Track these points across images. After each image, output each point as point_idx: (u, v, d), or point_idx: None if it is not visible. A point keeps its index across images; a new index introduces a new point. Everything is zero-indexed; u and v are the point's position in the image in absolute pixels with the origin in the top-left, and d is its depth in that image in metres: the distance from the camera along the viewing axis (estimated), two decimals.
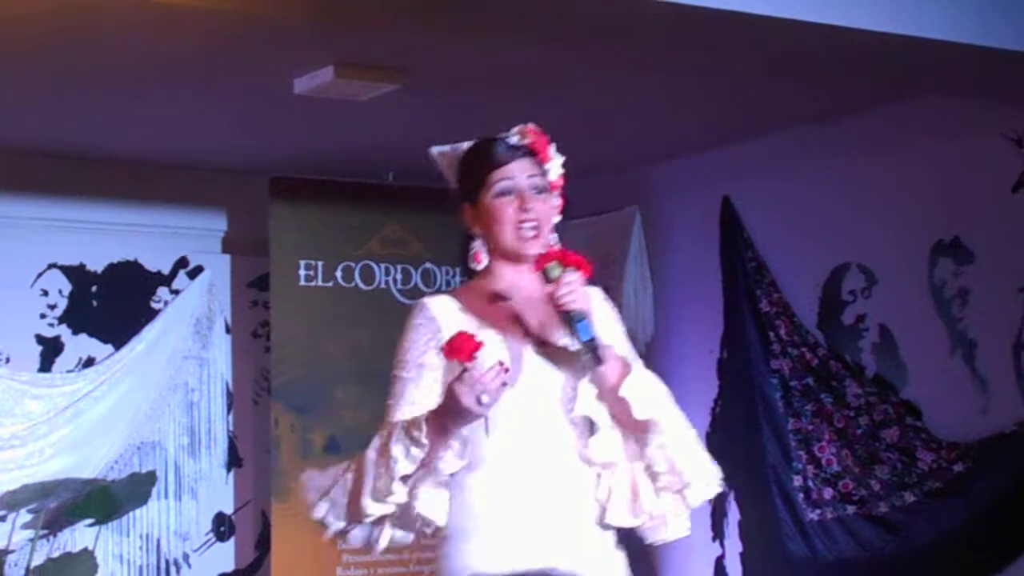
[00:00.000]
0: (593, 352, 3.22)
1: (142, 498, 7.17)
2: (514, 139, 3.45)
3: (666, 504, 3.34)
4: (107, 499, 6.92)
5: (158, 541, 7.36)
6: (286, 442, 7.23)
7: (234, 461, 7.61)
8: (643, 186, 7.42)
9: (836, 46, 4.81)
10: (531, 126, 3.46)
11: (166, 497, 7.39)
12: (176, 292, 7.51)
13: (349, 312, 7.41)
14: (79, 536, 7.09)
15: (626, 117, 6.23)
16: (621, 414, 3.31)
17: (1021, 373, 6.01)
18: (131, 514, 7.24)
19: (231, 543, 7.61)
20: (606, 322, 3.43)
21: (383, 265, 7.54)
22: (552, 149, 3.50)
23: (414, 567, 7.42)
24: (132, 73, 5.51)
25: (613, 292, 7.45)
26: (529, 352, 3.33)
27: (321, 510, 3.43)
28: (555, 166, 3.51)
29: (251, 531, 7.62)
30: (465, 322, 3.33)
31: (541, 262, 3.33)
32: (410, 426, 3.23)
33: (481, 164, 3.42)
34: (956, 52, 4.85)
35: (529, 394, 3.30)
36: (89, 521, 6.97)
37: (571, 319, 3.24)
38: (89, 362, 7.27)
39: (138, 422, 7.27)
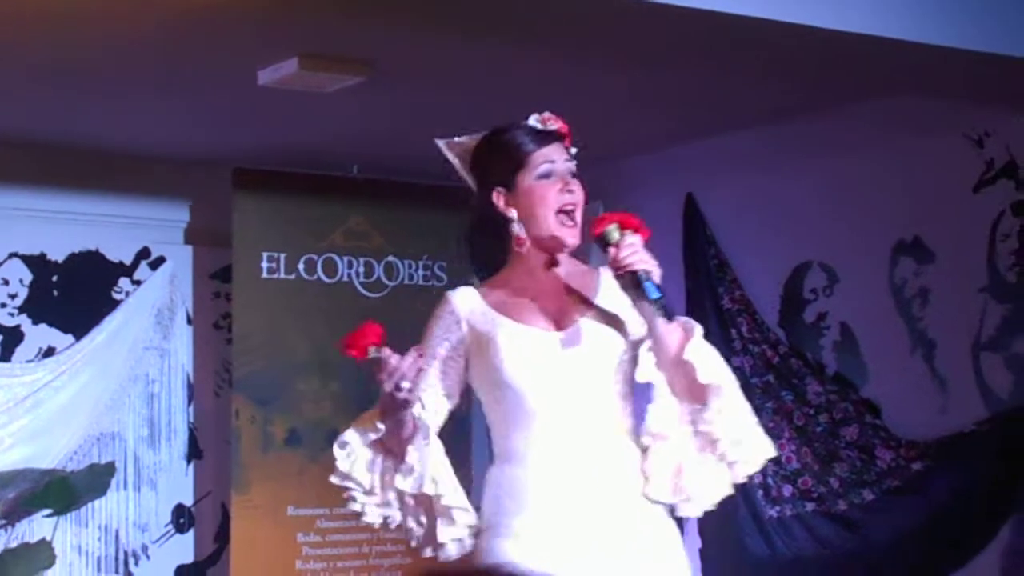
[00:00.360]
0: (663, 309, 3.22)
1: (101, 489, 7.14)
2: (537, 124, 3.41)
3: (709, 478, 3.33)
4: (66, 490, 6.90)
5: (117, 532, 7.33)
6: (247, 434, 7.22)
7: (194, 453, 7.59)
8: (607, 182, 7.42)
9: (800, 45, 4.83)
10: (548, 114, 3.43)
11: (125, 488, 7.36)
12: (138, 283, 7.48)
13: (311, 305, 7.40)
14: (37, 527, 7.05)
15: (590, 113, 6.21)
16: (678, 381, 3.30)
17: (980, 373, 6.04)
18: (90, 505, 7.21)
19: (190, 535, 7.58)
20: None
21: (346, 258, 7.53)
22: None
23: (373, 560, 7.43)
24: (95, 62, 5.49)
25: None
26: (554, 337, 3.31)
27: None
28: (571, 151, 3.49)
29: (211, 523, 7.60)
30: (486, 314, 3.36)
31: (598, 226, 3.30)
32: (370, 416, 3.34)
33: (520, 146, 3.39)
34: (919, 52, 4.87)
35: (559, 381, 3.29)
36: (47, 512, 6.94)
37: (637, 280, 3.22)
38: (49, 352, 7.23)
39: (98, 413, 7.24)
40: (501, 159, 3.40)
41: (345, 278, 7.53)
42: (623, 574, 3.25)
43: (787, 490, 6.51)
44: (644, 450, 3.34)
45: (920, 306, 6.28)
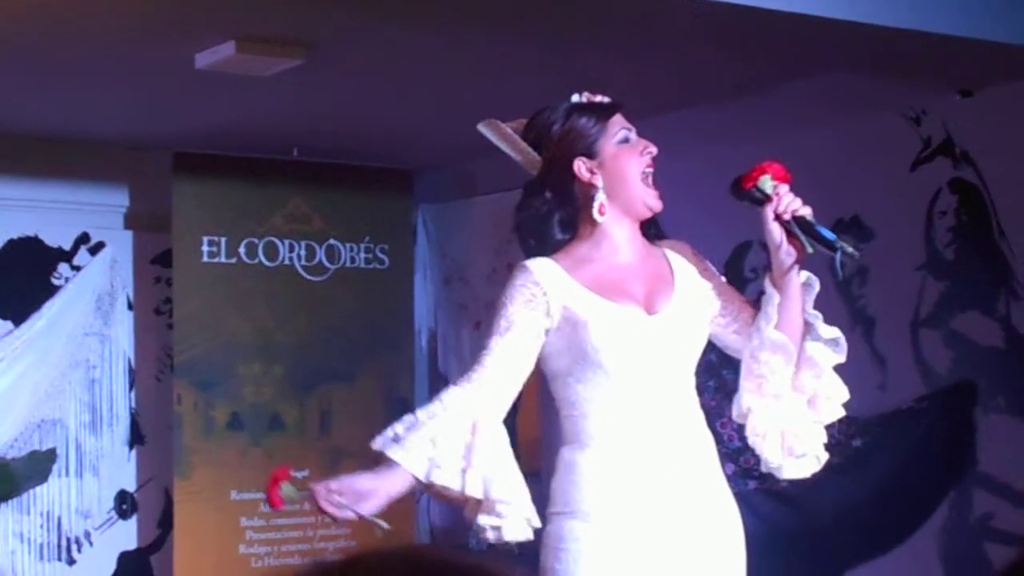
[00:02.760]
0: (841, 251, 3.21)
1: (42, 476, 7.11)
2: (585, 98, 3.39)
3: (811, 434, 3.36)
4: (6, 477, 6.86)
5: (59, 519, 7.30)
6: (189, 419, 7.20)
7: (136, 438, 7.56)
8: None
9: (737, 24, 4.85)
10: (588, 94, 3.40)
11: (67, 475, 7.33)
12: (77, 268, 7.43)
13: (252, 289, 7.39)
14: None
15: (531, 93, 6.22)
16: (795, 341, 3.32)
17: (919, 350, 6.09)
18: (31, 492, 7.18)
19: (133, 521, 7.56)
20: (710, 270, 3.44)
21: (287, 241, 7.51)
22: None
23: (317, 543, 7.43)
24: (31, 46, 5.45)
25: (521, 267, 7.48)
26: (647, 321, 3.28)
27: None
28: None
29: (154, 509, 7.57)
30: (571, 288, 3.27)
31: (748, 182, 3.28)
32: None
33: (596, 114, 3.36)
34: (855, 31, 4.90)
35: (652, 365, 3.27)
36: None
37: (806, 224, 3.22)
38: None
39: (38, 399, 7.20)
40: (580, 128, 3.36)
41: (286, 261, 7.51)
42: (694, 564, 3.26)
43: (729, 468, 6.53)
44: (747, 411, 3.33)
45: (859, 284, 6.32)
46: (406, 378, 7.78)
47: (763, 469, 3.40)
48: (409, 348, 7.85)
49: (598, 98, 3.39)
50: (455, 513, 7.90)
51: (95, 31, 5.27)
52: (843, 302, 6.35)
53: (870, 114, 6.22)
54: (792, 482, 6.03)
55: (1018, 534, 5.75)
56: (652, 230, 3.42)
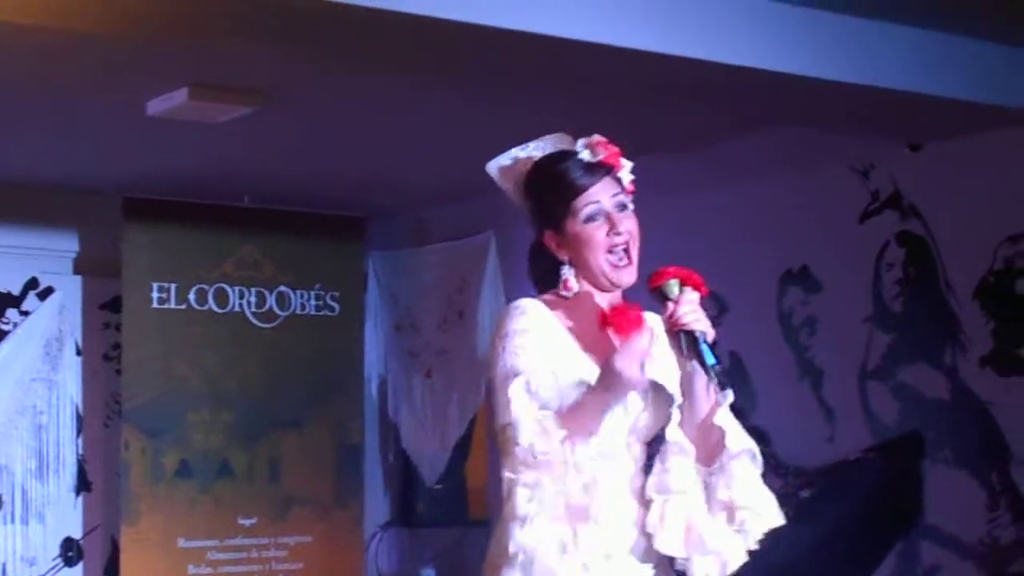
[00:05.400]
0: (718, 376, 3.12)
1: None
2: (586, 155, 3.27)
3: (724, 537, 3.29)
4: None
5: (4, 566, 7.24)
6: (137, 465, 7.15)
7: (83, 485, 7.51)
8: (498, 212, 7.45)
9: (687, 77, 4.88)
10: (598, 138, 3.31)
11: (12, 522, 7.28)
12: (25, 313, 7.40)
13: (202, 335, 7.36)
14: None
15: (481, 143, 6.24)
16: (699, 444, 3.22)
17: (866, 401, 6.12)
18: None
19: (79, 568, 7.50)
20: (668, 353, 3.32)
21: (237, 288, 7.49)
22: (622, 156, 3.34)
23: None
24: None
25: (468, 317, 7.48)
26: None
27: None
28: (626, 172, 3.34)
29: (100, 556, 7.52)
30: (559, 334, 3.20)
31: (659, 278, 3.19)
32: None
33: (563, 191, 3.25)
34: (804, 84, 4.94)
35: (615, 429, 3.18)
36: None
37: (692, 339, 3.12)
38: None
39: None
40: (548, 201, 3.31)
41: (237, 308, 7.49)
42: None
43: None
44: (647, 504, 3.28)
45: (808, 335, 6.35)
46: (356, 425, 7.76)
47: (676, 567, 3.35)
48: (359, 395, 7.84)
49: (599, 153, 3.31)
50: (404, 562, 7.90)
51: (46, 76, 5.26)
52: (791, 352, 6.38)
53: (820, 167, 6.26)
54: None
55: None
56: None
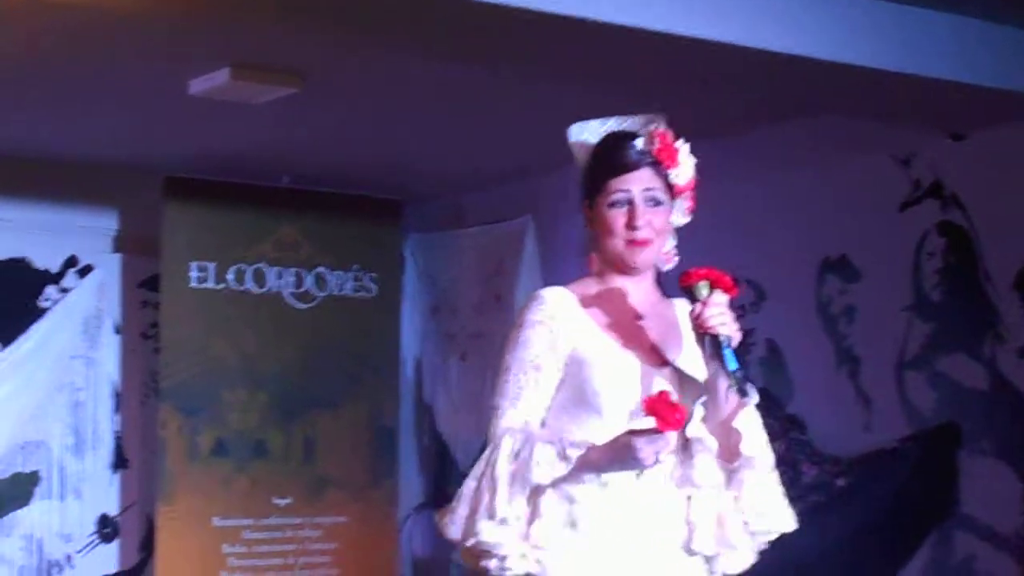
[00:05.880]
0: (738, 383, 3.11)
1: (24, 498, 7.10)
2: (640, 143, 3.28)
3: (743, 537, 3.31)
4: None
5: (40, 542, 7.28)
6: (173, 444, 7.18)
7: (120, 462, 7.55)
8: (537, 196, 7.46)
9: (728, 64, 4.87)
10: (661, 128, 3.29)
11: (49, 497, 7.32)
12: (65, 291, 7.43)
13: (240, 315, 7.38)
14: None
15: (520, 127, 6.26)
16: (721, 444, 3.24)
17: (904, 390, 6.10)
18: (13, 514, 7.17)
19: (115, 545, 7.54)
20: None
21: (275, 268, 7.51)
22: (682, 154, 3.33)
23: (299, 571, 7.42)
24: (25, 69, 5.46)
25: (505, 301, 7.48)
26: (650, 372, 3.22)
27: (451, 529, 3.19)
28: (683, 171, 3.33)
29: (136, 533, 7.56)
30: (584, 324, 3.22)
31: (689, 278, 3.18)
32: (562, 444, 3.11)
33: (602, 169, 3.28)
34: (846, 72, 4.92)
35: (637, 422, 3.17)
36: None
37: (716, 343, 3.12)
38: None
39: (23, 421, 7.19)
40: (590, 176, 3.32)
41: (275, 288, 7.51)
42: None
43: None
44: (687, 499, 3.29)
45: (846, 323, 6.33)
46: (391, 407, 7.77)
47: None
48: (395, 377, 7.85)
49: (651, 145, 3.31)
50: (437, 545, 7.91)
51: (90, 55, 5.28)
52: (829, 341, 6.36)
53: (860, 155, 6.24)
54: None
55: None
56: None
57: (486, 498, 3.11)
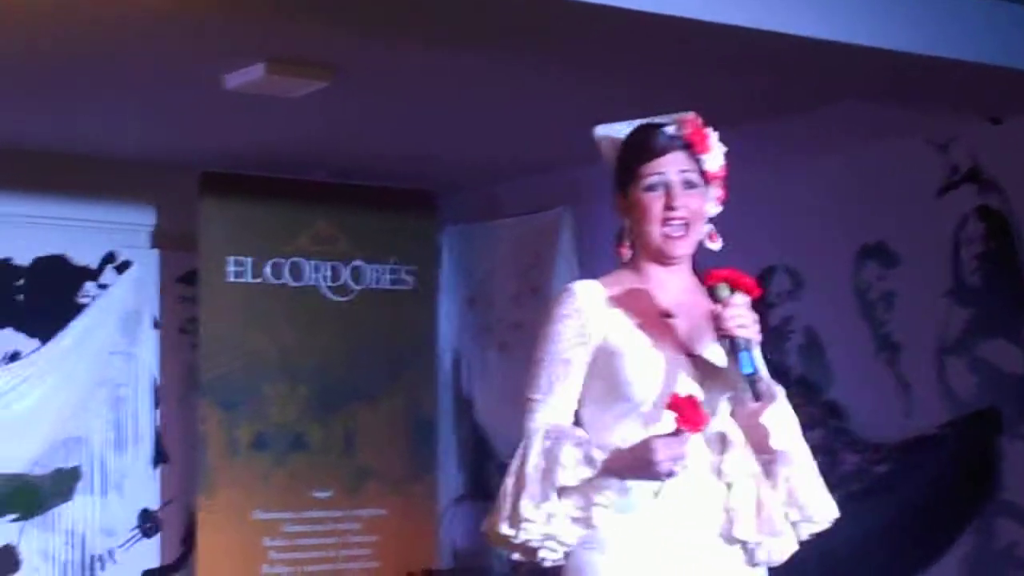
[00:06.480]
0: (752, 386, 3.11)
1: (66, 494, 7.14)
2: (671, 129, 3.28)
3: (785, 525, 3.29)
4: (31, 494, 6.89)
5: (83, 537, 7.32)
6: (213, 438, 7.21)
7: (160, 457, 7.58)
8: (573, 186, 7.45)
9: (762, 50, 4.85)
10: (691, 115, 3.29)
11: (91, 493, 7.35)
12: (103, 287, 7.46)
13: (277, 309, 7.40)
14: (2, 532, 7.05)
15: (555, 117, 6.25)
16: (752, 437, 3.24)
17: (944, 376, 6.08)
18: (55, 510, 7.21)
19: (156, 539, 7.57)
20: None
21: (312, 262, 7.53)
22: (712, 140, 3.34)
23: (340, 564, 7.44)
24: (62, 66, 5.48)
25: (542, 292, 7.48)
26: (679, 365, 3.21)
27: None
28: (715, 157, 3.34)
29: (177, 527, 7.59)
30: (613, 318, 3.22)
31: (711, 279, 3.17)
32: (588, 446, 3.13)
33: (634, 156, 3.28)
34: (882, 57, 4.90)
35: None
36: (12, 517, 6.93)
37: (734, 345, 3.11)
38: (14, 356, 7.21)
39: (64, 417, 7.22)
40: (622, 164, 3.33)
41: (312, 282, 7.53)
42: None
43: None
44: (727, 487, 3.28)
45: (885, 310, 6.31)
46: (430, 399, 7.79)
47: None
48: (433, 369, 7.86)
49: (682, 130, 3.31)
50: (478, 537, 7.90)
51: (125, 51, 5.30)
52: (868, 327, 6.34)
53: (897, 140, 6.22)
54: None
55: None
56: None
57: (518, 494, 3.12)
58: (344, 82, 5.63)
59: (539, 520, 3.10)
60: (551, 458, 3.12)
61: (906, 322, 6.23)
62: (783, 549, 3.30)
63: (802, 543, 3.34)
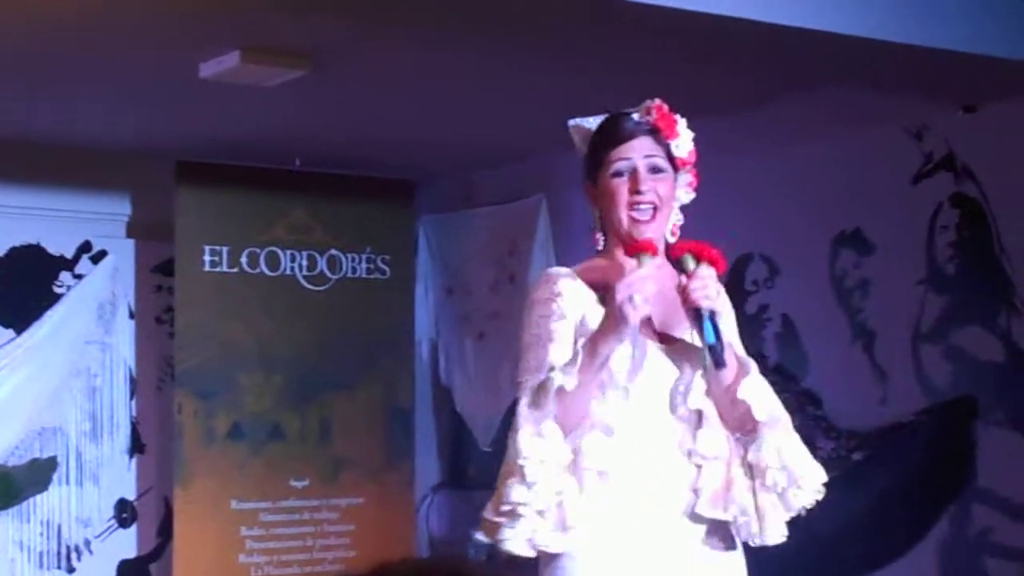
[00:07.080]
0: (714, 355, 3.13)
1: (43, 484, 7.12)
2: (637, 115, 3.33)
3: (763, 502, 3.29)
4: (7, 485, 6.87)
5: (59, 527, 7.30)
6: (189, 428, 7.20)
7: (137, 447, 7.57)
8: (549, 174, 7.45)
9: (737, 38, 4.86)
10: (657, 102, 3.33)
11: (67, 483, 7.33)
12: (79, 277, 7.44)
13: (254, 298, 7.39)
14: None
15: (531, 106, 6.25)
16: (727, 413, 3.25)
17: (919, 364, 6.10)
18: (32, 500, 7.19)
19: (133, 529, 7.56)
20: (725, 318, 3.33)
21: (288, 252, 7.52)
22: (680, 125, 3.38)
23: (317, 553, 7.43)
24: (35, 54, 5.46)
25: (519, 280, 7.48)
26: (650, 348, 3.24)
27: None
28: (683, 143, 3.38)
29: (153, 517, 7.58)
30: (591, 302, 3.25)
31: (676, 251, 3.23)
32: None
33: (602, 143, 3.33)
34: (856, 45, 4.91)
35: (643, 392, 3.23)
36: None
37: (697, 315, 3.14)
38: None
39: (39, 407, 7.21)
40: (590, 153, 3.37)
41: (288, 272, 7.52)
42: None
43: None
44: (697, 468, 3.29)
45: (860, 297, 6.33)
46: (406, 388, 7.78)
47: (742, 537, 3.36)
48: (410, 358, 7.86)
49: (647, 116, 3.33)
50: (455, 525, 7.91)
51: (99, 39, 5.28)
52: (844, 315, 6.36)
53: (872, 129, 6.23)
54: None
55: (1018, 548, 5.76)
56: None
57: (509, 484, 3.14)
58: (320, 71, 5.62)
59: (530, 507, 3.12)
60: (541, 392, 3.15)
61: (882, 310, 6.25)
62: (770, 527, 3.30)
63: (789, 529, 3.34)
